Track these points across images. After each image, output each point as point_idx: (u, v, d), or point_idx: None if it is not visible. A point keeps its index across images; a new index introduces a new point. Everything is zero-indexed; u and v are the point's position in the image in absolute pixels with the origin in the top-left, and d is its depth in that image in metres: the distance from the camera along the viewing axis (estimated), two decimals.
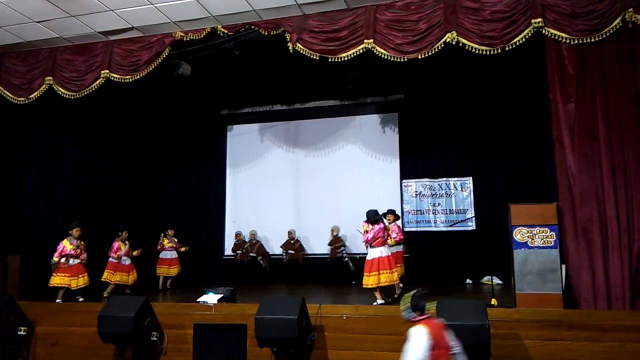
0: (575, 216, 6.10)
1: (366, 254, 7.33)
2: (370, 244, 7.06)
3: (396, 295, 7.76)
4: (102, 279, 8.83)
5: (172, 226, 10.59)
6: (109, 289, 8.87)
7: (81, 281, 8.21)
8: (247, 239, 11.30)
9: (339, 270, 10.48)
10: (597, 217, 6.00)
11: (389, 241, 7.39)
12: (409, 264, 8.90)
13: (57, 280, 8.06)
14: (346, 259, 10.44)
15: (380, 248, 7.03)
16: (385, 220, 7.51)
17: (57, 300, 7.93)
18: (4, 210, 9.00)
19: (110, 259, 9.03)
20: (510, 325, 5.67)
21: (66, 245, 8.17)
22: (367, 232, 7.08)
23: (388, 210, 8.16)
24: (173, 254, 10.42)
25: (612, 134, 6.07)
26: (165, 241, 10.40)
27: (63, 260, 8.14)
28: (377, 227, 7.07)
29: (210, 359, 6.14)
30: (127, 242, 9.24)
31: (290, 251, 10.94)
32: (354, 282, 10.03)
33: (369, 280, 6.98)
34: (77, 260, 8.22)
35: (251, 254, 11.01)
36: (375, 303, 6.88)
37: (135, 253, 9.38)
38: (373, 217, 7.13)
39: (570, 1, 6.21)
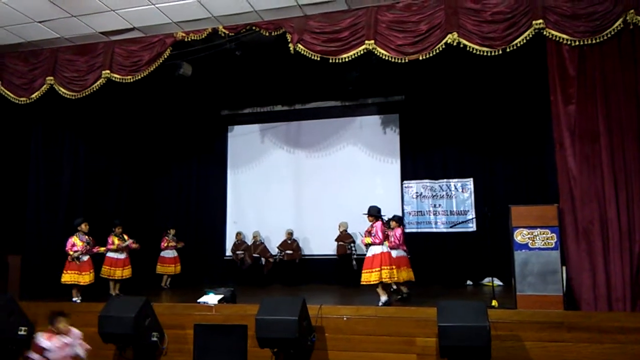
0: (576, 218, 6.10)
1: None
2: (383, 241, 6.99)
3: (405, 294, 7.76)
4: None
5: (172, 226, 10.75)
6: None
7: (88, 278, 8.09)
8: (247, 240, 11.27)
9: (344, 269, 10.33)
10: (598, 218, 6.00)
11: (386, 242, 7.36)
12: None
13: (67, 277, 7.98)
14: (355, 255, 10.24)
15: (382, 245, 6.99)
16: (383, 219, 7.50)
17: (74, 299, 7.90)
18: (4, 210, 9.01)
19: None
20: (510, 327, 5.68)
21: (76, 242, 8.12)
22: (372, 233, 6.97)
23: (394, 216, 8.18)
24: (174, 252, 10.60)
25: (613, 136, 6.07)
26: (167, 240, 10.51)
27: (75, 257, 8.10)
28: (378, 224, 7.05)
29: None
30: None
31: (288, 251, 10.90)
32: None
33: (371, 277, 6.85)
34: (86, 257, 8.17)
35: (254, 255, 10.99)
36: (380, 303, 6.82)
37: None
38: (379, 214, 7.12)
39: (571, 3, 6.23)
